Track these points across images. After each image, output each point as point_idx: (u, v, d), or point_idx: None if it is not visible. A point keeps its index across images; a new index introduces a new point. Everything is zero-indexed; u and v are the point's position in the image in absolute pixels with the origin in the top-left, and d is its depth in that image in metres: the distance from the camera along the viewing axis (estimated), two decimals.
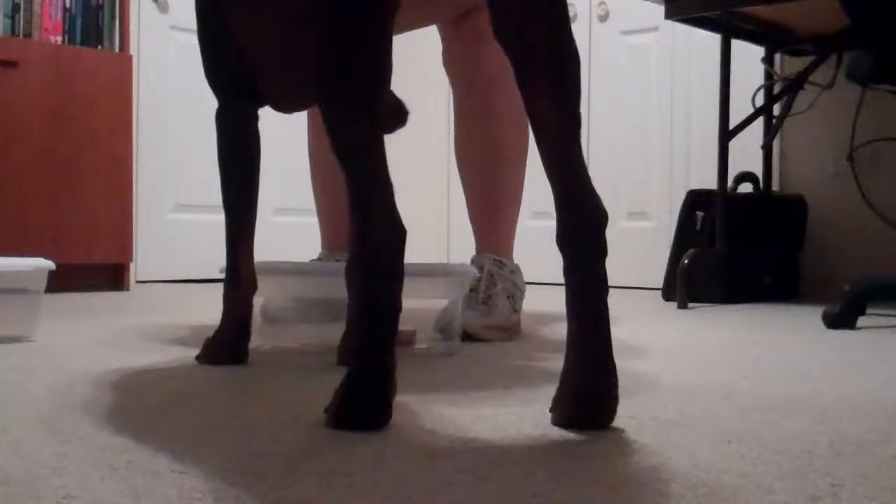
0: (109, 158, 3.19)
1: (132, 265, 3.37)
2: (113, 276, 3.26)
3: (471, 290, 1.81)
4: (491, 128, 2.01)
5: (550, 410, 1.03)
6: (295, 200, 4.11)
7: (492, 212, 2.02)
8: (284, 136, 4.39)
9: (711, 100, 3.09)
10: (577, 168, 1.00)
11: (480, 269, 1.88)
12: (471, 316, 1.80)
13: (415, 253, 4.58)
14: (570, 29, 1.01)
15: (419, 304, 1.62)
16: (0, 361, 1.49)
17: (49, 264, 1.80)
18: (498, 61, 1.99)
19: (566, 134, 1.00)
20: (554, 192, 1.01)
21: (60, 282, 2.50)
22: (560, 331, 2.07)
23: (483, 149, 2.02)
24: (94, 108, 3.16)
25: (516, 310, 1.92)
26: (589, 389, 1.00)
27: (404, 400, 1.18)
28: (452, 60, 2.02)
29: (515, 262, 2.00)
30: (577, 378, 1.01)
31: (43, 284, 1.81)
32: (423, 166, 4.34)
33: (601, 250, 1.00)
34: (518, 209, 2.06)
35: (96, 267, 3.21)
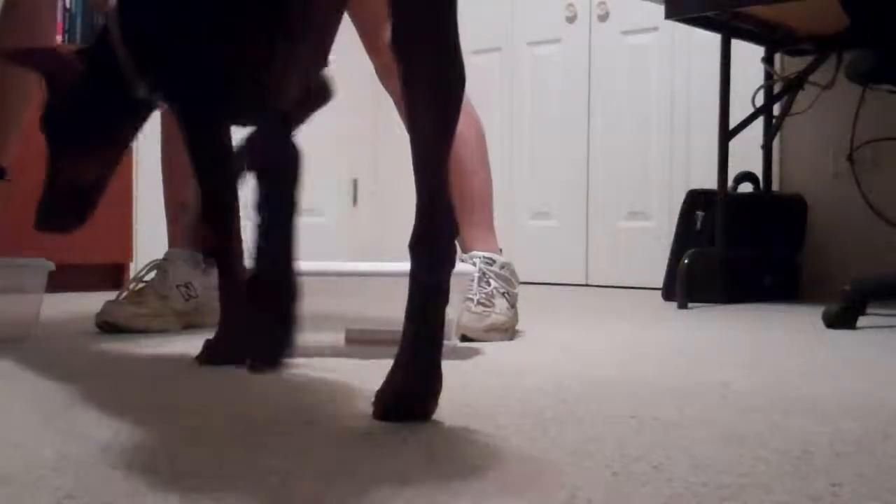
0: None
1: (132, 265, 3.37)
2: (113, 276, 3.26)
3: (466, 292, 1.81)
4: None
5: (373, 403, 1.05)
6: None
7: (465, 215, 2.00)
8: None
9: (711, 100, 3.08)
10: (438, 177, 1.05)
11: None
12: (470, 319, 1.80)
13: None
14: (456, 49, 1.06)
15: None
16: (0, 361, 1.49)
17: (49, 264, 1.80)
18: None
19: (437, 144, 1.06)
20: (416, 195, 1.05)
21: (60, 282, 2.50)
22: (560, 331, 2.07)
23: None
24: None
25: (513, 305, 1.92)
26: (411, 390, 1.04)
27: None
28: (385, 80, 1.99)
29: (507, 256, 2.00)
30: (403, 377, 1.04)
31: (43, 285, 1.81)
32: None
33: (446, 261, 1.04)
34: (490, 202, 2.04)
35: (96, 267, 3.21)
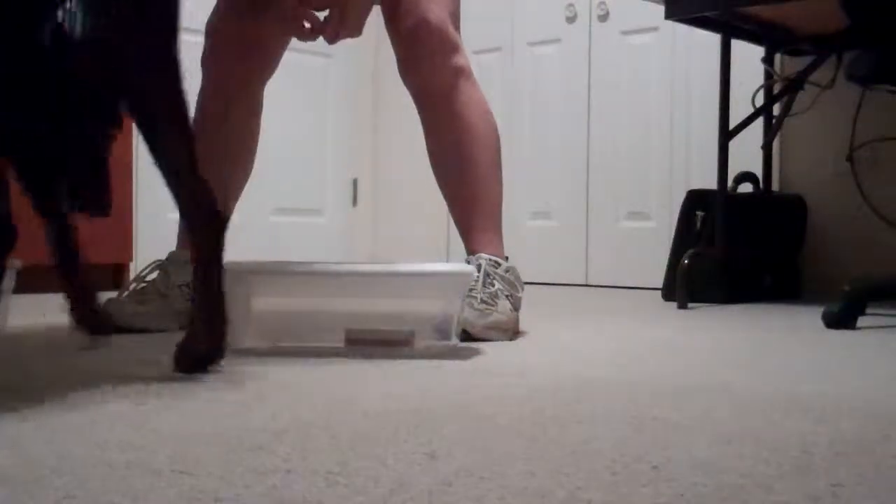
0: (109, 158, 3.18)
1: (132, 265, 3.37)
2: (113, 276, 3.26)
3: (469, 291, 1.81)
4: (456, 139, 2.01)
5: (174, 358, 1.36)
6: (295, 200, 4.11)
7: (475, 218, 2.02)
8: (284, 138, 4.37)
9: (711, 100, 3.08)
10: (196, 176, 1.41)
11: (477, 269, 1.88)
12: (471, 316, 1.80)
13: (415, 253, 4.59)
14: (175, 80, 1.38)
15: (418, 304, 1.62)
16: None
17: (16, 263, 1.80)
18: (451, 72, 2.00)
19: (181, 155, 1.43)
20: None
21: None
22: (560, 331, 2.07)
23: (453, 160, 2.03)
24: None
25: (516, 308, 1.93)
26: (198, 348, 1.35)
27: (403, 400, 1.19)
28: (407, 73, 2.00)
29: (509, 258, 2.00)
30: (189, 337, 1.35)
31: (11, 284, 1.81)
32: (422, 166, 4.34)
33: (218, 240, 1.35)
34: (500, 208, 2.05)
35: (96, 267, 3.21)
